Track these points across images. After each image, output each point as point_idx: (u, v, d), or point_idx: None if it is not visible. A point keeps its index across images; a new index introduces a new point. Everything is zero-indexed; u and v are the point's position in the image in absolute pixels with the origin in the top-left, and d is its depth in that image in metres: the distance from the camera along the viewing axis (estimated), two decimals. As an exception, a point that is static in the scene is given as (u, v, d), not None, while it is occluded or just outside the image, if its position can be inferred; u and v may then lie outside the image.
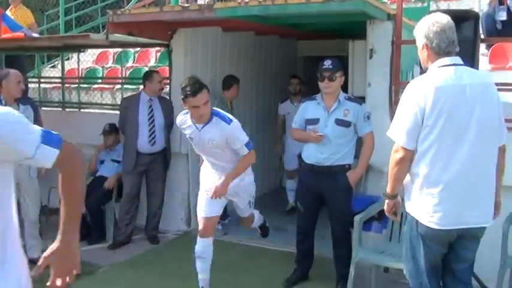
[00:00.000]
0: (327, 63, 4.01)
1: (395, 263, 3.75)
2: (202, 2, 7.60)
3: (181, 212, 5.86)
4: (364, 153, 4.12)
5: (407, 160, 2.76)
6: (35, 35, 5.74)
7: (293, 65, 8.15)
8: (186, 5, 4.76)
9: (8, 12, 6.56)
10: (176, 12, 4.51)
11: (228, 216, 6.10)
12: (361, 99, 4.30)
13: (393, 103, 4.46)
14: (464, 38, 3.88)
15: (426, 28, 2.78)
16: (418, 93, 2.68)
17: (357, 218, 3.95)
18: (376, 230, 4.41)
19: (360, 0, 3.81)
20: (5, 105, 4.51)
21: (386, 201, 2.98)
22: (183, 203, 5.86)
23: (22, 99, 4.78)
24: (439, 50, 2.74)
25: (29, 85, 7.82)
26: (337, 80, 4.04)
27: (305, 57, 8.26)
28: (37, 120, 4.80)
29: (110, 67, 9.05)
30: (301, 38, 7.96)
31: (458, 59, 2.77)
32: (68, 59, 9.67)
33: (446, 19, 2.79)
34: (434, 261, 2.86)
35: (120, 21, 4.80)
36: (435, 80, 2.69)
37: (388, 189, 2.93)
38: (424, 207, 2.75)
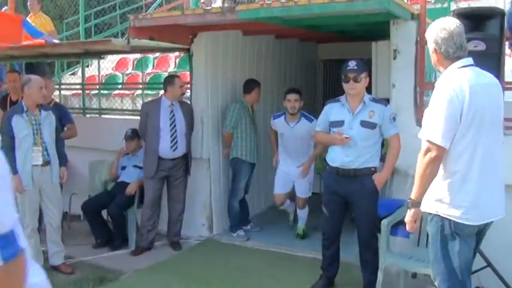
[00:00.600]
0: (352, 64, 3.94)
1: (423, 268, 3.65)
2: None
3: (203, 217, 5.81)
4: (390, 156, 4.03)
5: (440, 159, 2.74)
6: (56, 41, 5.77)
7: (313, 69, 8.09)
8: (208, 7, 4.70)
9: (27, 20, 6.60)
10: (198, 15, 4.47)
11: (250, 222, 6.05)
12: (386, 101, 4.22)
13: (418, 104, 4.37)
14: (490, 36, 3.82)
15: (435, 34, 2.85)
16: (453, 93, 2.70)
17: (385, 222, 3.86)
18: (403, 234, 4.29)
19: (385, -2, 3.72)
20: (27, 111, 4.54)
21: (412, 210, 2.89)
22: (204, 208, 5.80)
23: (44, 106, 4.79)
24: (447, 55, 2.81)
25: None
26: (362, 81, 3.96)
27: (325, 60, 8.20)
28: (58, 127, 4.81)
29: (129, 73, 9.08)
30: (321, 41, 7.90)
31: (470, 60, 2.85)
32: (87, 66, 9.74)
33: (454, 25, 2.83)
34: (469, 258, 2.87)
35: (141, 25, 4.78)
36: (464, 79, 2.73)
37: (415, 195, 2.85)
38: (461, 204, 2.75)
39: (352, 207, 4.10)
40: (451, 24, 2.82)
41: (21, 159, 4.52)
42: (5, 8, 7.41)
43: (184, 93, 5.61)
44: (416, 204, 2.86)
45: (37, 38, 5.56)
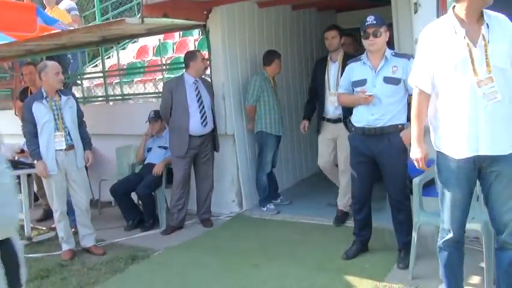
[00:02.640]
0: (370, 19, 3.80)
1: (470, 223, 3.49)
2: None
3: (233, 194, 5.76)
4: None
5: None
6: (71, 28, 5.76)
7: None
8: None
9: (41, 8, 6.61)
10: (209, -15, 4.37)
11: (279, 195, 5.98)
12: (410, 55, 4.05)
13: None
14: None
15: None
16: None
17: (416, 181, 3.72)
18: (435, 194, 4.16)
19: None
20: (46, 97, 4.54)
21: None
22: (233, 185, 5.75)
23: (63, 91, 4.79)
24: None
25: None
26: (382, 36, 3.82)
27: (346, 29, 7.98)
28: (79, 111, 4.81)
29: (150, 60, 9.06)
30: (340, 9, 7.72)
31: None
32: (108, 57, 9.78)
33: None
34: None
35: (154, 2, 4.71)
36: None
37: None
38: None
39: (381, 166, 3.96)
40: None
41: (44, 145, 4.53)
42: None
43: (207, 68, 5.53)
44: None
45: (52, 25, 5.56)
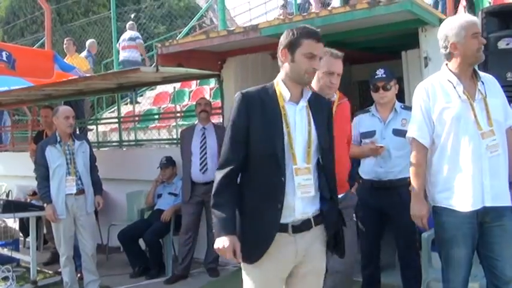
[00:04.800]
0: (380, 73, 3.84)
1: (469, 283, 3.40)
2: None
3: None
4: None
5: None
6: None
7: (348, 90, 7.95)
8: (231, 28, 4.71)
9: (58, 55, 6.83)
10: (222, 37, 4.48)
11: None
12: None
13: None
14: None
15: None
16: None
17: (424, 235, 3.64)
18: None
19: (408, 0, 3.60)
20: (60, 141, 4.61)
21: None
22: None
23: (77, 135, 4.86)
24: None
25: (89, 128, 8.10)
26: (392, 89, 3.84)
27: (359, 81, 8.06)
28: (91, 156, 4.86)
29: (166, 107, 9.20)
30: (353, 62, 7.79)
31: None
32: (126, 103, 9.97)
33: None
34: None
35: (168, 52, 4.83)
36: None
37: None
38: None
39: (390, 221, 3.90)
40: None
41: (55, 189, 4.57)
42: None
43: (205, 113, 5.48)
44: None
45: (68, 71, 5.71)
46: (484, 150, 2.66)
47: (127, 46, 9.54)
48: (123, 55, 9.35)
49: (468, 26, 2.68)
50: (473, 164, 2.67)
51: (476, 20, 2.81)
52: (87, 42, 9.61)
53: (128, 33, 9.70)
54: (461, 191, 2.71)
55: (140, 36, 9.80)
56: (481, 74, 2.82)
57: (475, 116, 2.67)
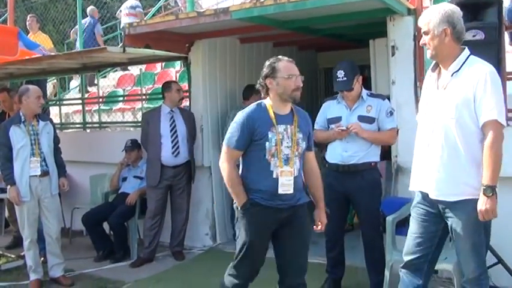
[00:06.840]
0: (340, 75, 3.86)
1: (443, 263, 3.52)
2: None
3: (206, 227, 5.72)
4: (378, 134, 3.92)
5: None
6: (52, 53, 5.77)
7: (314, 77, 8.04)
8: (201, 10, 4.67)
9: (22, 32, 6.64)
10: (191, 19, 4.43)
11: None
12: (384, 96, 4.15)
13: (419, 100, 4.29)
14: (489, 24, 3.74)
15: (448, 13, 2.76)
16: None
17: (389, 219, 3.76)
18: (408, 233, 4.19)
19: (378, -12, 3.67)
20: (24, 121, 4.50)
21: (491, 196, 2.61)
22: (207, 218, 5.71)
23: (42, 116, 4.75)
24: (459, 37, 2.80)
25: (50, 109, 7.91)
26: (355, 87, 3.90)
27: (326, 68, 8.14)
28: (55, 137, 4.77)
29: (130, 89, 9.08)
30: (320, 49, 7.87)
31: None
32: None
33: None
34: None
35: (136, 32, 4.76)
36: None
37: (492, 180, 2.63)
38: None
39: (354, 204, 4.00)
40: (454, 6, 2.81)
41: (18, 170, 4.46)
42: None
43: (183, 98, 5.56)
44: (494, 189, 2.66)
45: (33, 49, 5.56)
46: None
47: (129, 13, 10.01)
48: (125, 21, 9.53)
49: None
50: None
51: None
52: (88, 9, 10.09)
53: (130, 1, 10.24)
54: None
55: (140, 5, 10.43)
56: None
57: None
